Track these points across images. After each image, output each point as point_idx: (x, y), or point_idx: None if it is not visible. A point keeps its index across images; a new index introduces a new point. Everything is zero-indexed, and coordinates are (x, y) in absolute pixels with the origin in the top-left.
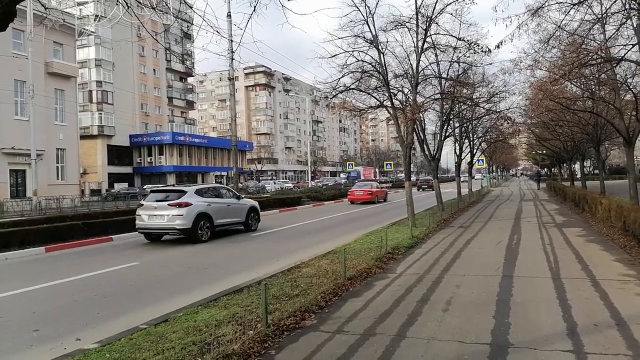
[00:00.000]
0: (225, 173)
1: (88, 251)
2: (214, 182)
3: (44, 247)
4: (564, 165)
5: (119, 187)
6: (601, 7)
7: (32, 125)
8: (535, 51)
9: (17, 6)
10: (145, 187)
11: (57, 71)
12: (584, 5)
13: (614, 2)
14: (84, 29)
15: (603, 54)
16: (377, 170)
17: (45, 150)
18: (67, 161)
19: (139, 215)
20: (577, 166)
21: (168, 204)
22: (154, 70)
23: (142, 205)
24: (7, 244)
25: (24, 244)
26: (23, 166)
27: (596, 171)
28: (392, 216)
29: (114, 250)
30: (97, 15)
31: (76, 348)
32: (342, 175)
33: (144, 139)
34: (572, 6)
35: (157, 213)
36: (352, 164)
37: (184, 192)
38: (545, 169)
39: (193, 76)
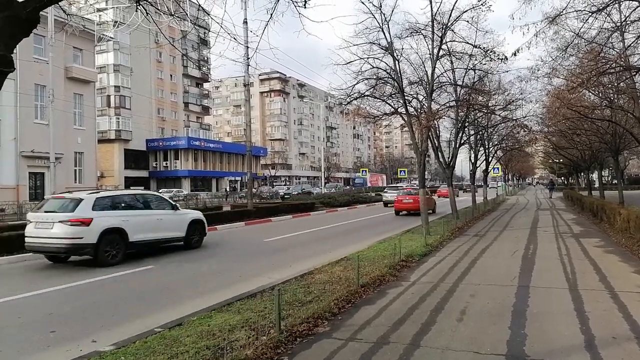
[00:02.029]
0: (239, 178)
1: None
2: (227, 187)
3: None
4: (582, 174)
5: None
6: (620, 15)
7: (51, 129)
8: (553, 59)
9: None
10: (160, 190)
11: (77, 76)
12: (603, 14)
13: (634, 10)
14: (103, 34)
15: (622, 62)
16: (384, 177)
17: (64, 153)
18: (85, 165)
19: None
20: (595, 175)
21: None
22: (171, 75)
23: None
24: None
25: None
26: (42, 169)
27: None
28: (405, 224)
29: (130, 253)
30: (116, 22)
31: (92, 350)
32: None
33: (160, 143)
34: (590, 14)
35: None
36: (365, 171)
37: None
38: (562, 178)
39: (209, 82)
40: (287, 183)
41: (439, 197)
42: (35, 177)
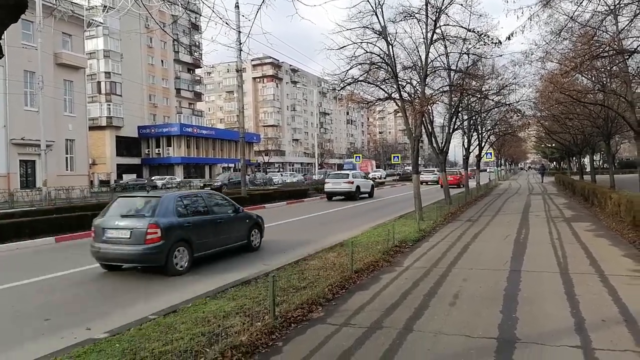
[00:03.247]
0: (232, 165)
1: None
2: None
3: (54, 237)
4: (574, 158)
5: (128, 178)
6: None
7: (41, 116)
8: (547, 43)
9: None
10: (153, 178)
11: (66, 62)
12: None
13: None
14: (93, 19)
15: (615, 46)
16: (374, 162)
17: (54, 141)
18: (76, 152)
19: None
20: (586, 160)
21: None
22: (162, 61)
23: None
24: (18, 234)
25: (34, 234)
26: (33, 157)
27: (606, 165)
28: (399, 209)
29: None
30: (105, 6)
31: (86, 337)
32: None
33: (152, 130)
34: None
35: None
36: (359, 157)
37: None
38: (555, 163)
39: (201, 67)
40: (281, 169)
41: (441, 186)
42: (26, 165)
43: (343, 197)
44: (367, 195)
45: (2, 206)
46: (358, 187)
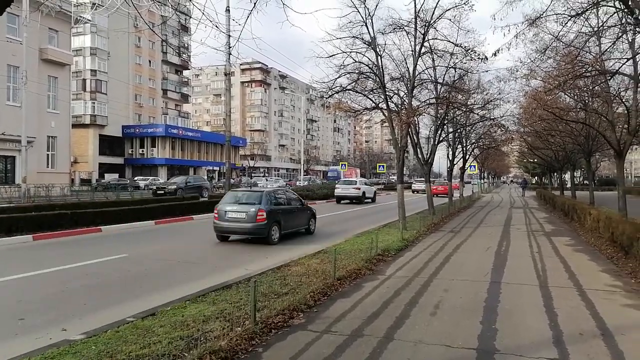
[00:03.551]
0: (217, 168)
1: (76, 241)
2: (205, 177)
3: (31, 235)
4: (555, 174)
5: (110, 177)
6: (598, 20)
7: (24, 112)
8: (532, 61)
9: None
10: (135, 178)
11: (52, 58)
12: (582, 18)
13: (611, 16)
14: (80, 16)
15: (598, 67)
16: (358, 171)
17: (36, 137)
18: (58, 149)
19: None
20: (567, 176)
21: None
22: (150, 61)
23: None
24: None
25: (11, 231)
26: (13, 152)
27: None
28: (383, 218)
29: (103, 241)
30: (94, 3)
31: (62, 338)
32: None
33: (137, 130)
34: (569, 18)
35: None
36: (345, 164)
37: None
38: (536, 178)
39: (189, 69)
40: (266, 174)
41: (434, 195)
42: (5, 161)
43: (351, 201)
44: (370, 200)
45: None
46: (364, 193)
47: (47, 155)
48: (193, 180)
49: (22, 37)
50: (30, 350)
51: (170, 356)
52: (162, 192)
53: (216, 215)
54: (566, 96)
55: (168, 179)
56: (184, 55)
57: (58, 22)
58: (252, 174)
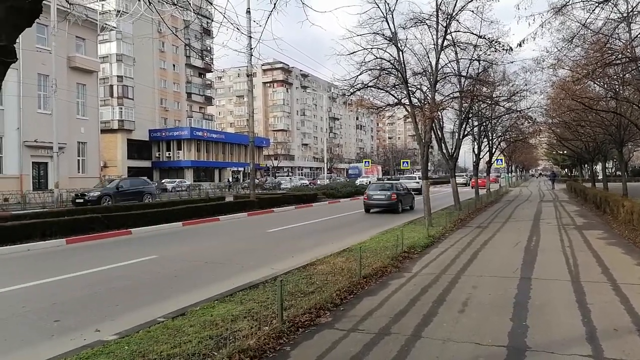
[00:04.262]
0: (242, 169)
1: (108, 244)
2: (230, 178)
3: (65, 239)
4: (585, 165)
5: None
6: (627, 5)
7: (54, 119)
8: (558, 50)
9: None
10: (163, 181)
11: (80, 66)
12: (610, 4)
13: None
14: (106, 24)
15: (628, 54)
16: (379, 168)
17: (67, 143)
18: (88, 154)
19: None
20: (598, 167)
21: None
22: (174, 65)
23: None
24: (29, 235)
25: (45, 236)
26: (45, 159)
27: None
28: (407, 215)
29: (133, 243)
30: (118, 11)
31: (96, 339)
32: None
33: (163, 133)
34: (597, 4)
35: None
36: (368, 161)
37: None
38: (566, 170)
39: (212, 72)
40: (290, 174)
41: (472, 187)
42: (38, 167)
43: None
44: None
45: (15, 207)
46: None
47: (78, 160)
48: (129, 185)
49: (50, 46)
50: (66, 351)
51: (200, 355)
52: (82, 200)
53: (365, 197)
54: (596, 85)
55: (165, 181)
56: (206, 58)
57: (85, 30)
58: (276, 174)
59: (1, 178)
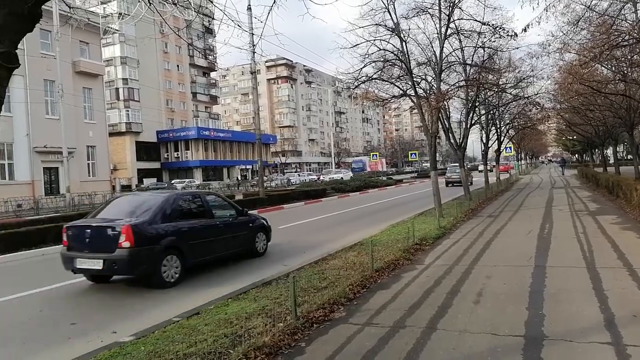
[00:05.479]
0: (250, 166)
1: None
2: (239, 176)
3: None
4: (596, 150)
5: (148, 182)
6: None
7: (62, 124)
8: (564, 34)
9: (43, 7)
10: (173, 181)
11: (85, 70)
12: None
13: None
14: (109, 27)
15: (635, 34)
16: (384, 161)
17: (76, 147)
18: (98, 158)
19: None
20: (609, 151)
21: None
22: (178, 66)
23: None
24: (43, 240)
25: (59, 240)
26: (56, 164)
27: (629, 156)
28: (417, 207)
29: None
30: (120, 13)
31: (112, 341)
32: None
33: (170, 134)
34: None
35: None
36: (376, 155)
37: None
38: (576, 155)
39: (216, 71)
40: (298, 170)
41: (500, 171)
42: (49, 172)
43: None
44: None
45: (28, 213)
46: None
47: (88, 164)
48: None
49: (55, 51)
50: (84, 353)
51: (216, 354)
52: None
53: (446, 177)
54: (603, 68)
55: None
56: (210, 57)
57: (88, 34)
58: (285, 170)
59: (13, 184)
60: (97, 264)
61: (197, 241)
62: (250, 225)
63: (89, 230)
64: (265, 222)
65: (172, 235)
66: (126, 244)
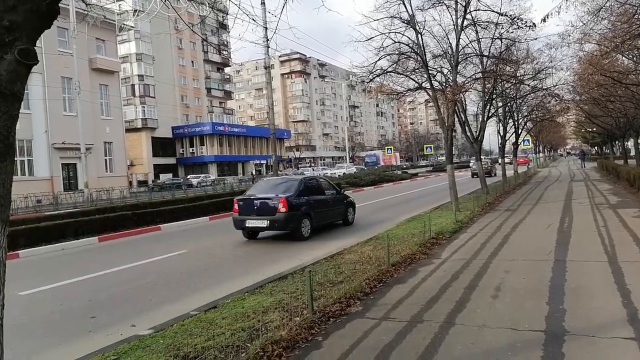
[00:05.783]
0: (264, 161)
1: (138, 240)
2: (253, 171)
3: (97, 237)
4: (616, 142)
5: (164, 177)
6: None
7: (80, 120)
8: (584, 24)
9: (60, 4)
10: (188, 177)
11: (101, 67)
12: None
13: None
14: (124, 24)
15: None
16: (397, 155)
17: (93, 144)
18: (115, 154)
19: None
20: (630, 143)
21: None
22: (192, 62)
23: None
24: (63, 235)
25: (78, 234)
26: (74, 160)
27: None
28: (433, 201)
29: (163, 239)
30: (135, 10)
31: (132, 334)
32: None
33: (186, 130)
34: None
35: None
36: (391, 149)
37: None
38: (596, 148)
39: (230, 66)
40: (312, 164)
41: (518, 164)
42: (68, 168)
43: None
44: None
45: (47, 208)
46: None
47: (105, 160)
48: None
49: (72, 48)
50: (104, 346)
51: (234, 347)
52: None
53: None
54: (624, 58)
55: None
56: (224, 52)
57: (104, 31)
58: (299, 165)
59: (33, 180)
60: (263, 223)
61: (318, 210)
62: (345, 201)
63: (256, 201)
64: (353, 201)
65: (306, 205)
66: (282, 210)
